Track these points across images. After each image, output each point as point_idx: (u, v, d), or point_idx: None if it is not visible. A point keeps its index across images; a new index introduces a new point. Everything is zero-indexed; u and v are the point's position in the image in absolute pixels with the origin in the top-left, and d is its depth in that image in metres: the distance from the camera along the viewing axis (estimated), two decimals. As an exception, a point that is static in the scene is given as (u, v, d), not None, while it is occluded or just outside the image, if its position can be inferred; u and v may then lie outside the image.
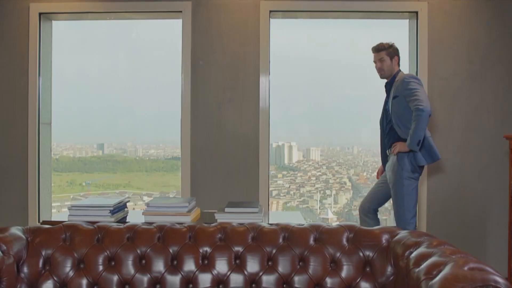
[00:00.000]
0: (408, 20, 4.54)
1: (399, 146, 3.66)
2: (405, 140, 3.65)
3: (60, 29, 4.60)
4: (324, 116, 4.93)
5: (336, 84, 4.85)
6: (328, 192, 5.44)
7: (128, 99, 4.87)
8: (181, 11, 4.36)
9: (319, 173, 5.36)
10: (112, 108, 4.89)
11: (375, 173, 4.22)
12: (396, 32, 4.70)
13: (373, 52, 3.86)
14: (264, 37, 4.38)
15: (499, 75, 4.44)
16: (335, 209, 5.46)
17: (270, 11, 4.38)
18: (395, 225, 3.66)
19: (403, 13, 4.47)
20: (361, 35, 4.78)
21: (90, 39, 4.86)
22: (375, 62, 3.84)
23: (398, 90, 3.70)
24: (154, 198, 3.08)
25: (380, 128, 3.94)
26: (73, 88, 4.86)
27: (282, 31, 4.61)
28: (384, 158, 3.92)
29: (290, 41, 4.75)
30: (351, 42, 4.79)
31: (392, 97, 3.75)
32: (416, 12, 4.36)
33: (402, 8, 4.41)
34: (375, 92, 4.75)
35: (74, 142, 5.28)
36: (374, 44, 3.87)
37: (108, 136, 5.13)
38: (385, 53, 3.80)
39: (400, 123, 3.71)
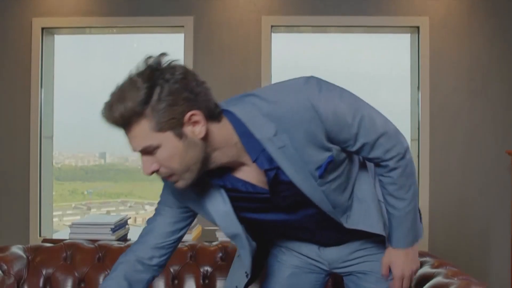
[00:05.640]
0: (409, 34, 4.55)
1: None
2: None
3: (62, 42, 4.61)
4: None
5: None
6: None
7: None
8: (183, 26, 4.37)
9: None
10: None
11: None
12: (399, 45, 4.70)
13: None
14: (266, 52, 4.39)
15: (500, 91, 4.43)
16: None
17: (272, 26, 4.39)
18: None
19: (404, 27, 4.47)
20: (364, 47, 4.80)
21: (92, 52, 4.87)
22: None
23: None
24: (155, 215, 3.09)
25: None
26: (75, 100, 4.87)
27: (284, 43, 4.62)
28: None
29: (292, 54, 4.76)
30: (353, 54, 4.80)
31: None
32: (418, 27, 4.36)
33: (403, 23, 4.40)
34: (378, 103, 4.76)
35: (76, 151, 5.28)
36: None
37: (110, 145, 5.13)
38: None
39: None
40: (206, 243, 2.53)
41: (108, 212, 5.20)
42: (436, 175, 4.42)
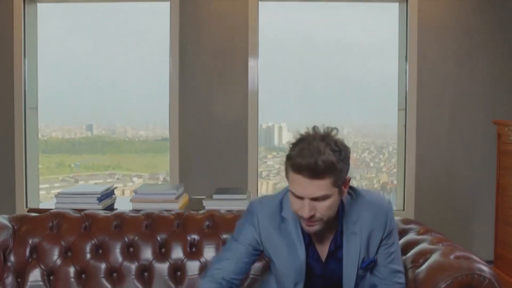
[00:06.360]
0: (398, 3, 4.51)
1: None
2: None
3: (45, 11, 4.52)
4: (314, 97, 4.92)
5: (326, 65, 4.82)
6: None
7: (116, 80, 4.82)
8: (168, -6, 4.30)
9: (309, 154, 5.37)
10: (101, 89, 4.84)
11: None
12: (386, 15, 4.67)
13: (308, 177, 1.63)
14: (253, 21, 4.35)
15: (488, 59, 4.43)
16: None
17: (259, -6, 4.35)
18: None
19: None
20: (352, 17, 4.75)
21: (76, 21, 4.78)
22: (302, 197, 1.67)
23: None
24: (142, 185, 3.07)
25: None
26: (60, 70, 4.79)
27: (272, 12, 4.56)
28: None
29: (280, 23, 4.71)
30: (341, 24, 4.76)
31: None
32: (406, -4, 4.34)
33: (392, -8, 4.38)
34: (365, 73, 4.75)
35: (63, 123, 5.22)
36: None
37: (97, 117, 5.08)
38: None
39: None
40: (193, 212, 2.53)
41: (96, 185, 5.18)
42: (423, 144, 4.45)
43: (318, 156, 1.59)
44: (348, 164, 1.68)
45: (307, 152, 1.60)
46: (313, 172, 1.60)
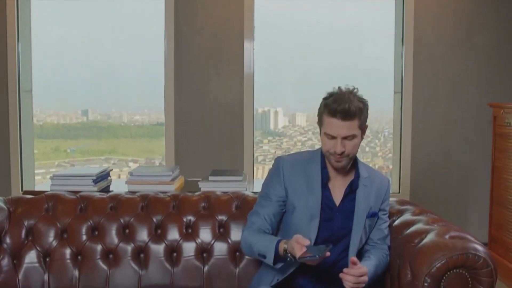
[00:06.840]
0: (394, -15, 4.50)
1: None
2: None
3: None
4: (310, 82, 4.91)
5: (322, 50, 4.81)
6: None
7: (111, 65, 4.79)
8: (163, -25, 4.27)
9: (305, 139, 5.34)
10: (96, 73, 4.81)
11: None
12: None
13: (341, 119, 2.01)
14: (249, 5, 4.33)
15: (484, 42, 4.42)
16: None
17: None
18: None
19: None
20: (349, 1, 4.73)
21: (71, 4, 4.73)
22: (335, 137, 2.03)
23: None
24: (137, 167, 3.07)
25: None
26: (54, 53, 4.75)
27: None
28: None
29: (276, 7, 4.68)
30: (337, 7, 4.74)
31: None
32: (403, -22, 4.31)
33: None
34: (361, 59, 4.74)
35: (58, 108, 5.20)
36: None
37: (92, 102, 5.06)
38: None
39: None
40: (189, 193, 2.53)
41: (92, 169, 5.15)
42: (419, 127, 4.45)
43: (350, 103, 1.97)
44: (367, 113, 2.08)
45: (341, 101, 1.98)
46: (346, 115, 1.97)
